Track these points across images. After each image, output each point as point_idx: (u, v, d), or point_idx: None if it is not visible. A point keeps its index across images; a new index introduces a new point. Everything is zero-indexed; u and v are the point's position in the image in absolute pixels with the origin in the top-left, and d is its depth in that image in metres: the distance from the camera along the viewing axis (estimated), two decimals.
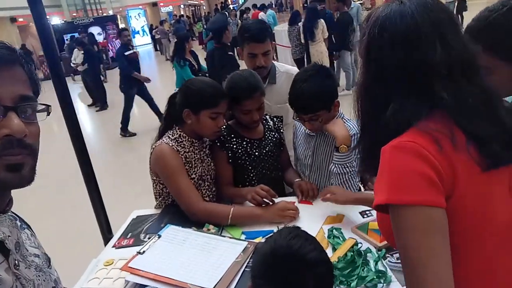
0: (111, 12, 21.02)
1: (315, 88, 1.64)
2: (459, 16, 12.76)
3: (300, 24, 7.22)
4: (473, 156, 0.77)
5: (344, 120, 1.78)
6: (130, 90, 6.75)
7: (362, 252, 1.35)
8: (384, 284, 1.22)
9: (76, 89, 11.48)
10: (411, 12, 0.81)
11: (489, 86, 0.84)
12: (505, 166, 0.81)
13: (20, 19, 18.37)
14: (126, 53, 6.67)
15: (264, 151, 1.93)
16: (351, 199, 1.59)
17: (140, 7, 26.24)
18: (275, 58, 7.91)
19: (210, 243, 1.47)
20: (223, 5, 22.75)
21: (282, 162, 2.03)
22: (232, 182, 1.92)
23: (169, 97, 1.84)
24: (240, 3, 21.03)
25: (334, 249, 1.41)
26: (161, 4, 28.79)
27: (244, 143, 1.89)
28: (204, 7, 36.01)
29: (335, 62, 7.37)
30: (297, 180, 1.86)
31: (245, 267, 1.35)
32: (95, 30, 17.17)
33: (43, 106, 0.77)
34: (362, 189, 1.92)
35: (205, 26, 17.26)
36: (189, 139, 1.79)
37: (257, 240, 1.50)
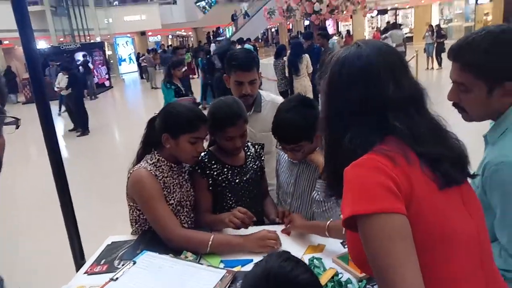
0: (99, 39, 21.13)
1: (297, 119, 1.64)
2: (438, 57, 13.34)
3: (285, 58, 7.38)
4: (428, 175, 0.86)
5: None
6: None
7: (343, 282, 1.33)
8: None
9: (55, 111, 11.36)
10: (367, 54, 0.92)
11: (436, 117, 0.96)
12: (456, 186, 0.91)
13: (6, 42, 18.31)
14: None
15: (245, 178, 1.91)
16: (301, 225, 1.68)
17: (129, 35, 26.55)
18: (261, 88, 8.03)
19: (187, 271, 1.42)
20: (214, 33, 23.15)
21: (261, 190, 2.01)
22: (211, 209, 1.88)
23: (149, 120, 1.82)
24: (228, 35, 21.46)
25: None
26: (149, 33, 29.17)
27: (225, 169, 1.87)
28: (192, 38, 36.61)
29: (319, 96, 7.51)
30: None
31: None
32: (81, 56, 17.19)
33: (12, 119, 0.75)
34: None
35: (193, 57, 17.59)
36: (168, 164, 1.76)
37: (236, 269, 1.46)
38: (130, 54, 26.08)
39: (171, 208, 1.72)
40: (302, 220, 1.70)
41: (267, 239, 1.59)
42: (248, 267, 1.49)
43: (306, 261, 1.49)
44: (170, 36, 35.84)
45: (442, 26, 14.35)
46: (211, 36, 22.49)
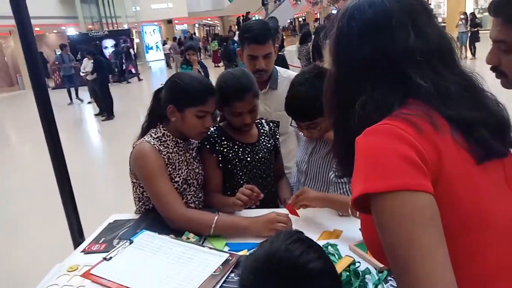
0: (126, 26, 21.32)
1: (311, 93, 1.46)
2: (472, 47, 12.72)
3: (310, 44, 7.15)
4: (462, 145, 0.69)
5: None
6: None
7: (360, 272, 1.16)
8: None
9: (86, 97, 11.53)
10: (380, 0, 0.76)
11: (469, 73, 0.78)
12: (498, 159, 0.73)
13: (37, 29, 18.69)
14: None
15: (257, 157, 1.76)
16: (316, 197, 1.48)
17: (156, 23, 26.68)
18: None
19: (186, 253, 1.29)
20: (244, 19, 22.87)
21: (276, 170, 1.86)
22: (220, 189, 1.75)
23: (155, 91, 1.69)
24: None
25: None
26: (176, 21, 29.23)
27: (236, 147, 1.73)
28: (218, 27, 36.53)
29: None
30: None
31: (223, 283, 1.17)
32: (109, 43, 17.38)
33: None
34: None
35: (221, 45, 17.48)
36: (174, 139, 1.63)
37: (241, 253, 1.32)
38: (157, 42, 26.23)
39: (177, 186, 1.59)
40: (314, 191, 1.52)
41: (276, 222, 1.44)
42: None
43: None
44: (196, 25, 35.85)
45: (476, 15, 13.67)
46: (241, 21, 22.12)
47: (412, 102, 0.72)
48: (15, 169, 6.31)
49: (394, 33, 0.73)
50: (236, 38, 13.84)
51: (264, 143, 1.80)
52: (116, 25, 21.16)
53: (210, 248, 1.34)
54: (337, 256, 1.27)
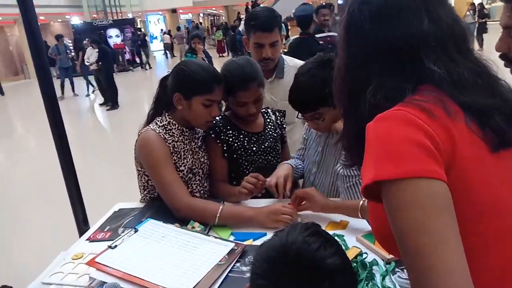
0: (130, 16, 21.21)
1: (312, 82, 1.42)
2: (480, 38, 12.56)
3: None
4: (476, 133, 0.67)
5: None
6: None
7: (367, 263, 1.15)
8: None
9: (82, 90, 11.53)
10: None
11: (483, 60, 0.75)
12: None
13: (42, 17, 18.63)
14: None
15: (263, 147, 1.74)
16: (328, 207, 1.42)
17: (160, 12, 26.53)
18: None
19: (191, 242, 1.28)
20: (253, 4, 22.45)
21: (282, 160, 1.84)
22: (226, 178, 1.73)
23: (161, 79, 1.66)
24: None
25: None
26: (181, 11, 29.04)
27: (241, 136, 1.71)
28: (223, 17, 36.27)
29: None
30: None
31: (228, 272, 1.16)
32: (113, 32, 17.31)
33: None
34: None
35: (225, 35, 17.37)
36: (179, 127, 1.61)
37: (246, 243, 1.31)
38: (164, 31, 26.10)
39: (182, 176, 1.58)
40: (322, 197, 1.46)
41: (281, 214, 1.42)
42: (261, 241, 1.34)
43: None
44: (201, 14, 35.60)
45: (485, 6, 13.51)
46: (250, 9, 21.77)
47: (425, 88, 0.69)
48: (21, 158, 6.34)
49: (407, 17, 0.71)
50: (241, 27, 13.71)
51: (270, 132, 1.78)
52: (120, 14, 21.04)
53: (216, 237, 1.33)
54: (344, 247, 1.25)
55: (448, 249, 0.58)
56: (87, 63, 10.05)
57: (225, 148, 1.69)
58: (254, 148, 1.71)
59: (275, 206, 1.46)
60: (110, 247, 1.26)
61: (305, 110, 1.51)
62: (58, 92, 11.06)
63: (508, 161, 0.70)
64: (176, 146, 1.57)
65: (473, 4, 13.85)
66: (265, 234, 1.38)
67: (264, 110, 1.82)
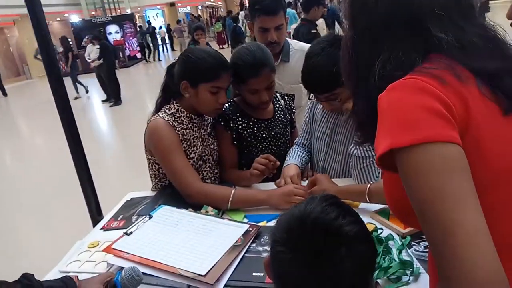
0: (129, 11, 21.14)
1: (329, 63, 1.38)
2: (482, 17, 12.40)
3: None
4: (488, 97, 0.66)
5: None
6: None
7: (383, 238, 1.15)
8: (411, 277, 1.02)
9: (92, 84, 11.48)
10: None
11: (490, 25, 0.73)
12: None
13: None
14: None
15: (273, 133, 1.73)
16: (336, 191, 1.39)
17: (158, 7, 26.39)
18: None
19: (207, 226, 1.29)
20: None
21: (291, 145, 1.83)
22: (236, 165, 1.73)
23: (168, 66, 1.66)
24: None
25: None
26: (179, 4, 28.87)
27: (251, 123, 1.70)
28: (222, 9, 36.05)
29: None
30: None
31: (245, 253, 1.16)
32: (113, 28, 17.28)
33: None
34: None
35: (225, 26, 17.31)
36: (188, 115, 1.61)
37: (261, 224, 1.31)
38: (160, 26, 26.01)
39: (192, 163, 1.58)
40: (330, 182, 1.46)
41: (294, 195, 1.42)
42: (274, 222, 1.35)
43: None
44: (199, 7, 35.39)
45: None
46: None
47: (434, 57, 0.69)
48: (33, 156, 6.39)
49: None
50: (240, 16, 13.55)
51: (280, 118, 1.77)
52: (119, 10, 20.98)
53: (230, 219, 1.34)
54: None
55: (467, 210, 0.57)
56: (88, 60, 10.04)
57: (234, 136, 1.68)
58: (264, 135, 1.71)
59: (288, 187, 1.46)
60: (126, 233, 1.27)
61: (322, 92, 1.48)
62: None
63: None
64: (185, 133, 1.57)
65: None
66: (278, 215, 1.38)
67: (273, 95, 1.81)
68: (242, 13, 16.43)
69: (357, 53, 0.79)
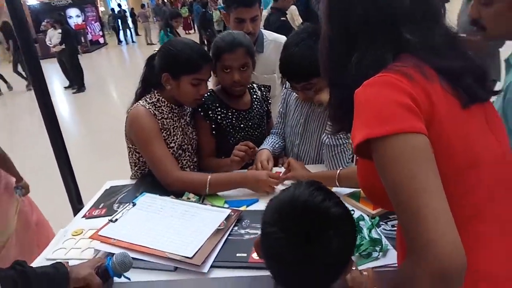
0: None
1: (307, 53, 1.47)
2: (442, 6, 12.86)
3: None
4: (449, 92, 0.76)
5: None
6: None
7: (354, 219, 1.25)
8: (380, 253, 1.13)
9: (52, 70, 11.04)
10: None
11: (453, 29, 0.84)
12: (480, 104, 0.81)
13: None
14: None
15: (250, 123, 1.80)
16: (309, 177, 1.50)
17: None
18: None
19: (189, 211, 1.35)
20: None
21: (268, 134, 1.91)
22: (214, 154, 1.80)
23: (147, 58, 1.68)
24: None
25: None
26: None
27: (229, 113, 1.77)
28: None
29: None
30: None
31: (228, 236, 1.24)
32: (73, 12, 16.62)
33: None
34: (353, 164, 1.81)
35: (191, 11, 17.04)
36: (168, 105, 1.64)
37: (242, 208, 1.39)
38: (124, 10, 25.17)
39: (172, 152, 1.63)
40: (303, 169, 1.57)
41: (268, 178, 1.50)
42: (254, 207, 1.43)
43: None
44: None
45: None
46: None
47: (404, 57, 0.78)
48: (14, 146, 6.13)
49: None
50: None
51: (257, 109, 1.84)
52: None
53: (212, 205, 1.41)
54: None
55: (433, 192, 0.67)
56: (49, 45, 9.64)
57: (213, 126, 1.74)
58: (242, 125, 1.78)
59: (261, 173, 1.54)
60: (111, 220, 1.31)
61: (299, 81, 1.55)
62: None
63: (476, 116, 0.80)
64: (165, 123, 1.61)
65: None
66: (257, 200, 1.46)
67: (250, 85, 1.86)
68: None
69: (334, 50, 0.86)
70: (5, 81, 9.94)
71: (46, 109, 1.73)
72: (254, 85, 1.90)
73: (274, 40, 2.15)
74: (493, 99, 0.94)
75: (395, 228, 1.19)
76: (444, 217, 0.66)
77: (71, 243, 1.33)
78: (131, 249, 1.17)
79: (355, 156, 1.72)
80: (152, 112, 1.57)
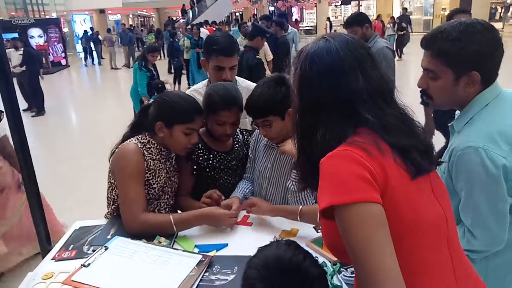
0: (54, 15, 20.02)
1: (265, 93, 1.65)
2: (399, 49, 13.72)
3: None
4: (400, 165, 0.89)
5: None
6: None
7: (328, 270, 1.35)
8: None
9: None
10: (336, 48, 0.94)
11: (403, 107, 0.99)
12: (426, 174, 0.95)
13: None
14: None
15: (230, 165, 1.90)
16: (270, 209, 1.68)
17: (87, 12, 25.34)
18: None
19: (162, 256, 1.40)
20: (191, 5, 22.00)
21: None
22: (190, 192, 1.88)
23: (142, 107, 1.79)
24: (191, 17, 20.88)
25: None
26: (109, 11, 27.96)
27: (211, 156, 1.87)
28: (154, 19, 35.50)
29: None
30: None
31: (199, 281, 1.30)
32: (35, 32, 16.25)
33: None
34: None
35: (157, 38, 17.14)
36: (158, 147, 1.72)
37: (211, 254, 1.46)
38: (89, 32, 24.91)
39: (153, 192, 1.69)
40: (267, 204, 1.71)
41: (224, 211, 1.61)
42: (223, 252, 1.50)
43: None
44: (130, 15, 34.56)
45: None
46: (187, 9, 21.48)
47: (362, 131, 0.91)
48: None
49: (347, 77, 0.92)
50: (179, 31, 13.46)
51: (238, 151, 1.95)
52: (43, 13, 19.78)
53: (182, 250, 1.46)
54: None
55: (385, 255, 0.80)
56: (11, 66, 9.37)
57: (195, 167, 1.83)
58: (222, 167, 1.88)
59: (218, 210, 1.63)
60: (83, 265, 1.34)
61: (257, 116, 1.71)
62: None
63: (422, 185, 0.94)
64: (152, 164, 1.67)
65: (393, 17, 15.09)
66: (227, 245, 1.54)
67: None
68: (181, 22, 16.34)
69: (302, 121, 1.00)
70: None
71: (21, 143, 1.74)
72: (237, 130, 2.00)
73: (247, 87, 2.27)
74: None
75: (354, 275, 1.30)
76: (394, 274, 0.80)
77: (41, 287, 1.34)
78: None
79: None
80: (141, 151, 1.64)
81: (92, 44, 19.04)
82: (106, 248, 1.43)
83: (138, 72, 5.93)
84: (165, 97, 1.71)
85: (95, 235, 1.63)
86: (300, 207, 1.59)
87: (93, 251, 1.46)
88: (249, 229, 1.67)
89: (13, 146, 1.84)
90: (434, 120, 3.11)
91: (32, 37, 15.79)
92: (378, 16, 16.52)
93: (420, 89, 1.41)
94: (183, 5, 21.34)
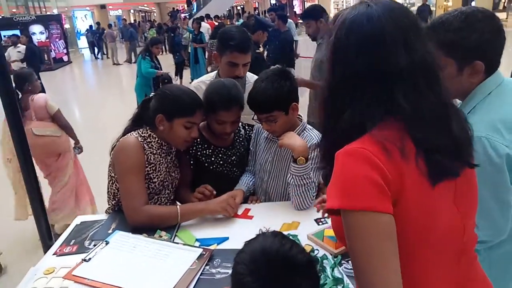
0: (56, 11, 20.00)
1: (269, 88, 1.62)
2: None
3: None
4: (422, 169, 0.79)
5: (307, 130, 1.78)
6: None
7: (319, 258, 1.35)
8: None
9: None
10: (378, 16, 0.81)
11: (447, 95, 0.85)
12: (451, 180, 0.84)
13: None
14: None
15: (230, 160, 1.89)
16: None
17: (88, 8, 25.30)
18: None
19: (162, 250, 1.40)
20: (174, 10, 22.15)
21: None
22: (189, 185, 1.87)
23: (143, 100, 1.77)
24: (193, 12, 20.81)
25: None
26: (110, 7, 27.90)
27: (210, 150, 1.86)
28: (155, 14, 35.40)
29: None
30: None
31: (200, 275, 1.30)
32: (37, 28, 16.25)
33: None
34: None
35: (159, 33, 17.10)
36: (158, 141, 1.71)
37: (212, 247, 1.45)
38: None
39: (154, 187, 1.69)
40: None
41: (227, 203, 1.63)
42: (224, 245, 1.49)
43: None
44: (131, 11, 34.48)
45: None
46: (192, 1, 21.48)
47: (390, 121, 0.81)
48: None
49: (388, 50, 0.79)
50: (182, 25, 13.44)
51: (238, 147, 1.93)
52: (44, 10, 19.76)
53: (184, 244, 1.46)
54: None
55: (388, 269, 0.75)
56: (10, 62, 9.38)
57: (192, 161, 1.83)
58: (221, 162, 1.87)
59: (223, 196, 1.66)
60: (84, 260, 1.34)
61: (261, 112, 1.68)
62: None
63: (443, 193, 0.83)
64: (152, 158, 1.67)
65: None
66: (227, 238, 1.53)
67: None
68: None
69: (330, 99, 0.89)
70: None
71: (21, 144, 1.74)
72: (239, 124, 1.98)
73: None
74: None
75: None
76: None
77: (43, 282, 1.34)
78: None
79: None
80: (142, 145, 1.63)
81: (97, 39, 19.18)
82: (107, 243, 1.43)
83: (142, 61, 5.93)
84: (166, 90, 1.70)
85: (96, 230, 1.63)
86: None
87: (94, 245, 1.46)
88: (249, 222, 1.66)
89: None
90: None
91: (33, 33, 15.79)
92: None
93: None
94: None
